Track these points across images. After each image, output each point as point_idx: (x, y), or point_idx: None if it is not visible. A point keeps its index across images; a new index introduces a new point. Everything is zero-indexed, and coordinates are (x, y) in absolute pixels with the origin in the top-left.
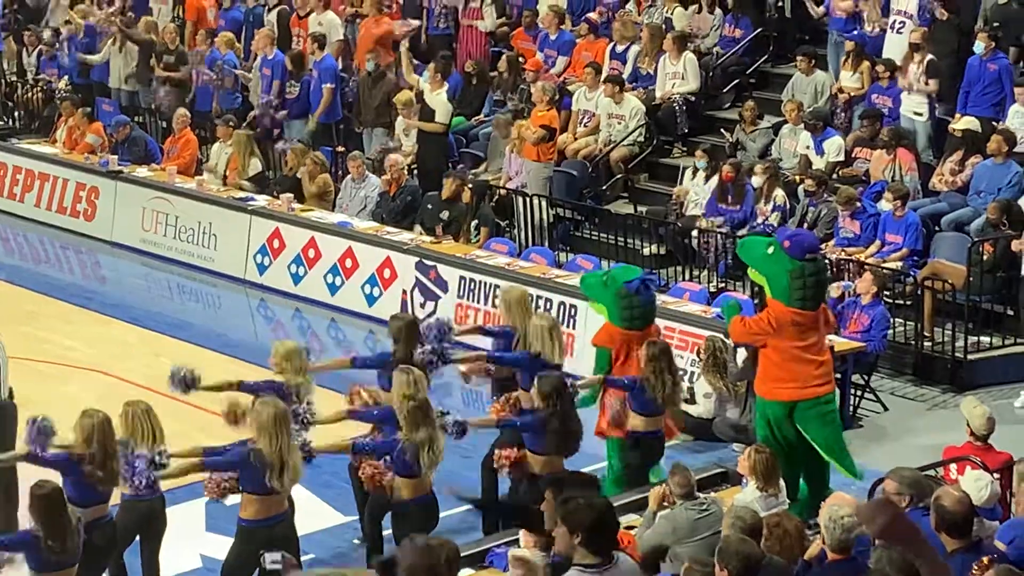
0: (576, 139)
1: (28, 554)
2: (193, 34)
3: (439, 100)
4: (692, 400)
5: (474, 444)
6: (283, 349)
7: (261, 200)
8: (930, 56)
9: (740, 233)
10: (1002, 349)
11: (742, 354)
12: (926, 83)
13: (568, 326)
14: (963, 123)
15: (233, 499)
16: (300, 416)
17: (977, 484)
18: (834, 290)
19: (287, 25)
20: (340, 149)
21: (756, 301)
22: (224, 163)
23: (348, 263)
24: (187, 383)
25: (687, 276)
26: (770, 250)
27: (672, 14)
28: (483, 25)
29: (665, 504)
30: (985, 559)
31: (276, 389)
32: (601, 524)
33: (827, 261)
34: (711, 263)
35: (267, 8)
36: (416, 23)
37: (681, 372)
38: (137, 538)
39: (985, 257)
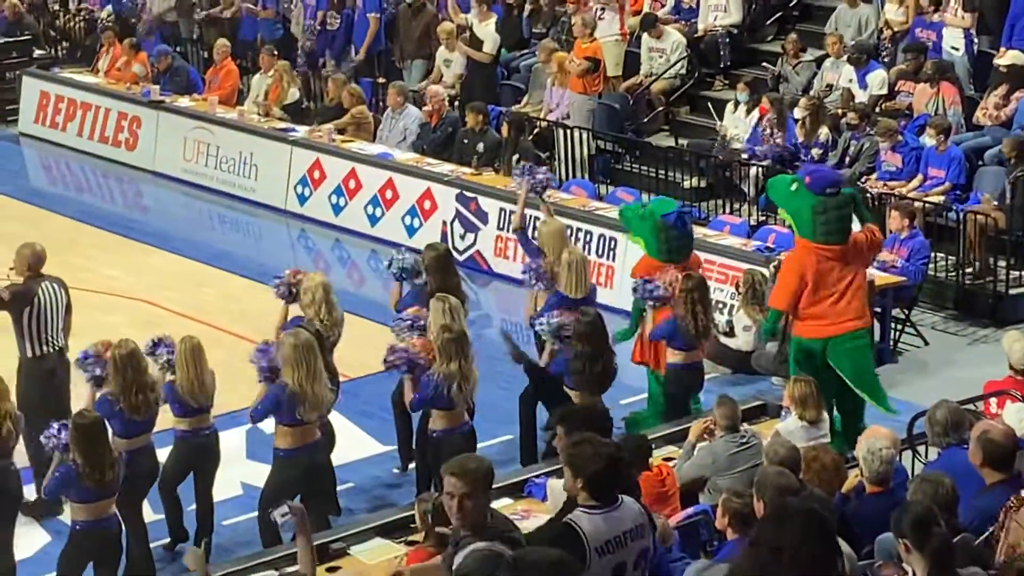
0: None
1: (68, 485)
2: None
3: (488, 31)
4: (732, 333)
5: (512, 376)
6: (308, 283)
7: (302, 131)
8: None
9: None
10: None
11: None
12: (963, 17)
13: (608, 258)
14: (1008, 57)
15: (270, 427)
16: None
17: (1019, 416)
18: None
19: None
20: (381, 80)
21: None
22: (264, 93)
23: (388, 194)
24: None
25: (727, 209)
26: (793, 187)
27: None
28: None
29: (705, 437)
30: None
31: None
32: (605, 472)
33: (868, 195)
34: (751, 197)
35: None
36: None
37: (721, 305)
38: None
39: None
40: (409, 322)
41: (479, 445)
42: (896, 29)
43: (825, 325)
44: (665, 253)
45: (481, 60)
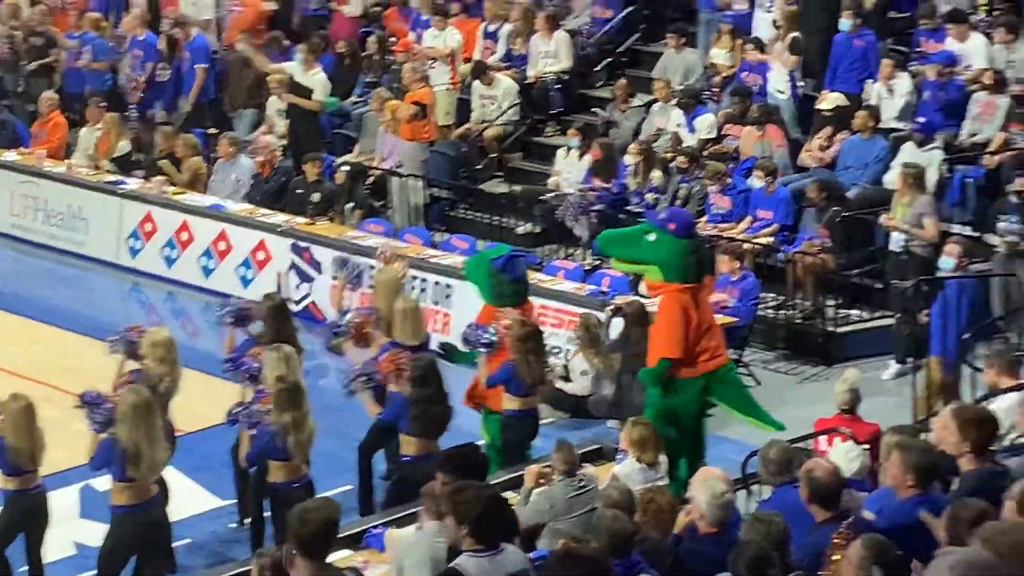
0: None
1: None
2: (64, 15)
3: (317, 79)
4: (568, 378)
5: (349, 426)
6: (150, 339)
7: (132, 183)
8: (793, 34)
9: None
10: (870, 322)
11: (616, 327)
12: (788, 61)
13: (443, 306)
14: (830, 100)
15: (106, 485)
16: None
17: (848, 455)
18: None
19: (157, 6)
20: (212, 131)
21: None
22: (93, 146)
23: (222, 246)
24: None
25: (562, 255)
26: (652, 237)
27: None
28: (349, 9)
29: (542, 482)
30: (844, 529)
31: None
32: (489, 516)
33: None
34: (585, 240)
35: None
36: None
37: (557, 349)
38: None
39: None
40: (243, 366)
41: (317, 496)
42: (723, 73)
43: (704, 361)
44: (497, 297)
45: (311, 108)
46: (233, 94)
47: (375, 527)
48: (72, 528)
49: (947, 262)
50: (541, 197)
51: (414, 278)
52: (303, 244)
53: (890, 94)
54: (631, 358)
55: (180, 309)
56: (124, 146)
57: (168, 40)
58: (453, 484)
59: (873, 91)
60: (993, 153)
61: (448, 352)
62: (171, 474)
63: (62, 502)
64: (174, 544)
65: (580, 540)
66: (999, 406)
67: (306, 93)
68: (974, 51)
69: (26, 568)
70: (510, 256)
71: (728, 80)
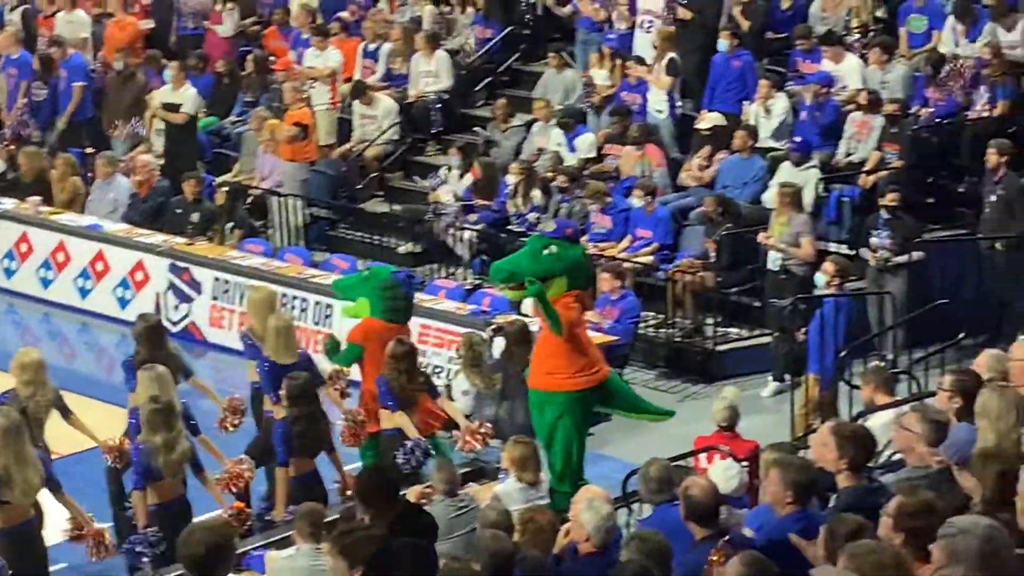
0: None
1: None
2: None
3: (187, 94)
4: (450, 397)
5: (226, 447)
6: (18, 360)
7: (8, 203)
8: (671, 54)
9: (502, 234)
10: (749, 340)
11: (498, 346)
12: (665, 81)
13: (323, 325)
14: (709, 120)
15: None
16: None
17: (726, 473)
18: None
19: (32, 25)
20: (90, 150)
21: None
22: None
23: (99, 266)
24: None
25: (443, 274)
26: (552, 249)
27: (423, 13)
28: (222, 30)
29: (423, 501)
30: (720, 546)
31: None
32: (381, 558)
33: None
34: (466, 260)
35: (9, 7)
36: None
37: (439, 369)
38: None
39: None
40: None
41: (196, 518)
42: (603, 94)
43: (595, 372)
44: (391, 312)
45: (177, 121)
46: (111, 113)
47: (255, 549)
48: None
49: (821, 280)
50: (422, 218)
51: (295, 298)
52: (182, 264)
53: (767, 114)
54: (513, 378)
55: (57, 331)
56: None
57: (42, 59)
58: (338, 527)
59: (751, 111)
60: (868, 172)
61: (328, 349)
62: (46, 497)
63: None
64: (51, 568)
65: (461, 560)
66: (876, 423)
67: (176, 109)
68: (849, 72)
69: None
70: (407, 273)
71: (608, 100)
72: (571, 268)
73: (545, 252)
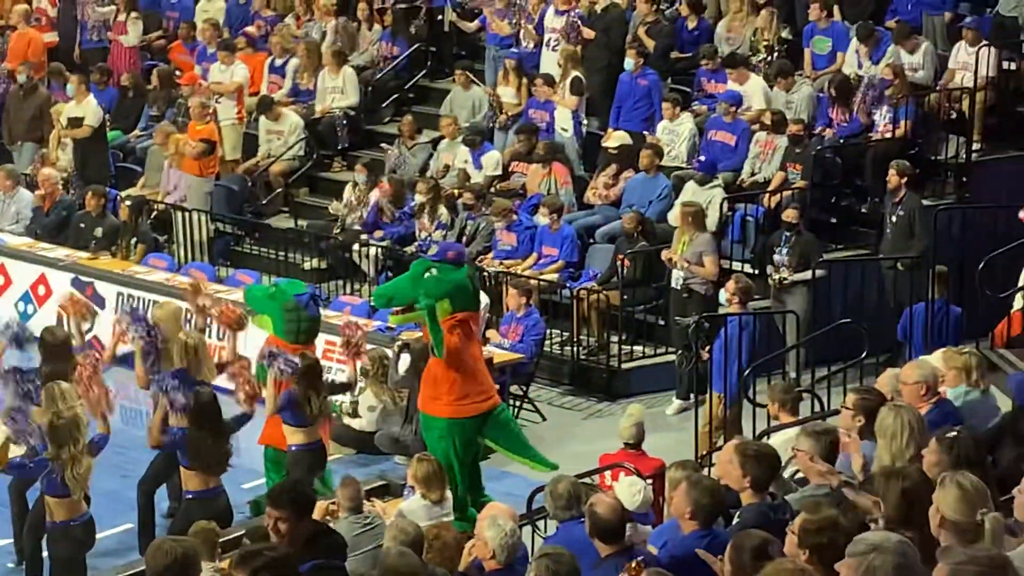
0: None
1: None
2: None
3: (88, 107)
4: (356, 414)
5: (133, 463)
6: None
7: None
8: (575, 73)
9: (408, 249)
10: (654, 358)
11: (404, 362)
12: (570, 100)
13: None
14: (615, 138)
15: None
16: None
17: (631, 490)
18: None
19: None
20: None
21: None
22: None
23: (1, 280)
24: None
25: (348, 290)
26: (434, 272)
27: (328, 28)
28: (127, 40)
29: (328, 518)
30: (634, 563)
31: None
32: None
33: (486, 273)
34: (371, 277)
35: None
36: None
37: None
38: None
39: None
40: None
41: (99, 535)
42: (510, 113)
43: (480, 401)
44: (293, 334)
45: (82, 135)
46: (13, 126)
47: None
48: None
49: (724, 297)
50: (327, 234)
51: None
52: (86, 279)
53: (673, 133)
54: (418, 394)
55: None
56: None
57: None
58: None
59: (658, 129)
60: (772, 192)
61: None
62: None
63: None
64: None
65: None
66: (778, 440)
67: (79, 123)
68: (753, 92)
69: None
70: (312, 293)
71: (515, 118)
72: (452, 291)
73: (426, 275)
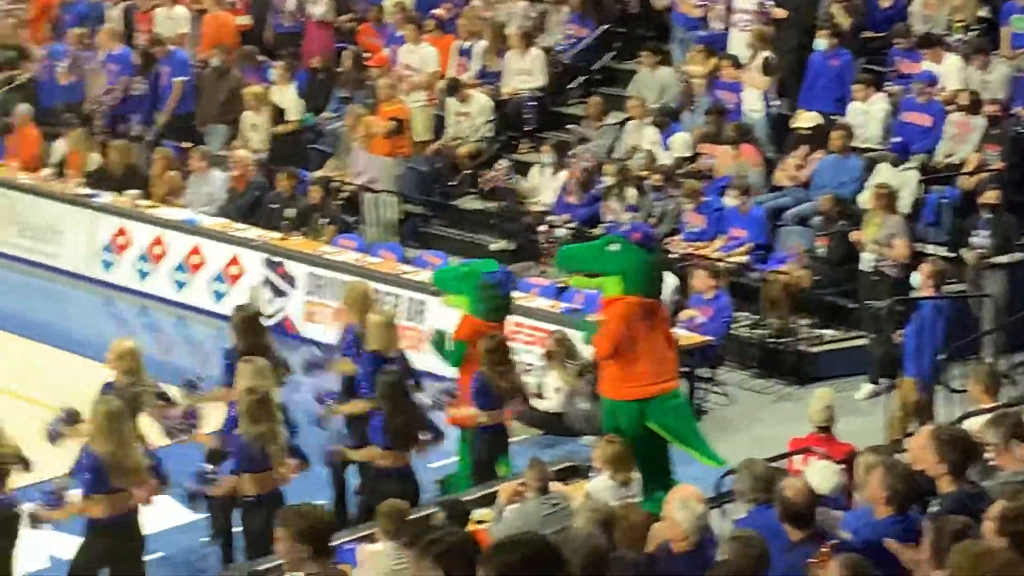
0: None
1: None
2: (37, 29)
3: (289, 97)
4: (541, 395)
5: (322, 441)
6: (114, 350)
7: (107, 196)
8: (766, 53)
9: (594, 231)
10: (844, 342)
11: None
12: (760, 81)
13: (416, 322)
14: (806, 119)
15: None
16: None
17: (823, 473)
18: None
19: (131, 20)
20: (187, 145)
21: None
22: (62, 158)
23: (195, 260)
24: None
25: (536, 272)
26: (615, 247)
27: (516, 10)
28: (316, 11)
29: (515, 499)
30: (826, 548)
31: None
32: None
33: (673, 255)
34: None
35: (111, 4)
36: None
37: (530, 366)
38: None
39: (821, 251)
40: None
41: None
42: (698, 93)
43: (645, 386)
44: (488, 312)
45: (289, 131)
46: (205, 109)
47: (347, 542)
48: (46, 540)
49: (918, 281)
50: (518, 213)
51: (387, 294)
52: (276, 259)
53: (866, 114)
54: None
55: (153, 323)
56: (94, 159)
57: (143, 54)
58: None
59: (849, 110)
60: (969, 174)
61: (435, 343)
62: None
63: None
64: (147, 557)
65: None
66: (977, 425)
67: (281, 114)
68: (948, 72)
69: None
70: (504, 271)
71: (701, 98)
72: (629, 271)
73: (608, 248)
